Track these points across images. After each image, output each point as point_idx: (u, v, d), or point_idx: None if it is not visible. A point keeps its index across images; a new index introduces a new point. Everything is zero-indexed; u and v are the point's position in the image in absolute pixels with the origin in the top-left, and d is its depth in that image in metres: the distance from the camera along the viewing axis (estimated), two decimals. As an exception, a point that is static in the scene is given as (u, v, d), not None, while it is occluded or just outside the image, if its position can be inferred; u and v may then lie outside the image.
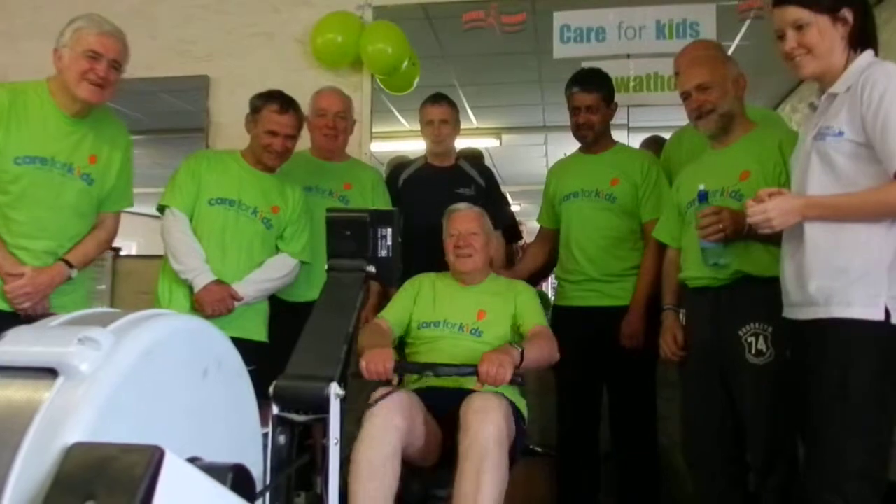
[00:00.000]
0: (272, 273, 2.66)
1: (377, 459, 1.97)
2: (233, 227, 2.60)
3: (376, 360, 2.08)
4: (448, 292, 2.52)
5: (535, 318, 2.43)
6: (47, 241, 2.32)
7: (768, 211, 1.79)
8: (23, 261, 2.27)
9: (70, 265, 2.36)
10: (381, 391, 2.06)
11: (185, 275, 2.54)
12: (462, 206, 2.64)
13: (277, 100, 2.64)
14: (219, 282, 2.53)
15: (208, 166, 2.64)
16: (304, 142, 3.16)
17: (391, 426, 1.99)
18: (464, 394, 2.15)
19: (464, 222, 2.53)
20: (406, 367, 2.23)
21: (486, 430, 1.98)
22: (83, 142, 2.36)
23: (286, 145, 2.65)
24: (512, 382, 2.07)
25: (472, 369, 2.05)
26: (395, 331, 2.47)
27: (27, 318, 2.22)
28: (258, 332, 2.67)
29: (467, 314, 2.44)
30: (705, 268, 2.21)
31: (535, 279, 3.19)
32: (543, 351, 2.30)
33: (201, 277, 2.52)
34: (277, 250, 2.73)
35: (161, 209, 2.63)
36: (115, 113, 2.58)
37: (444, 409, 2.18)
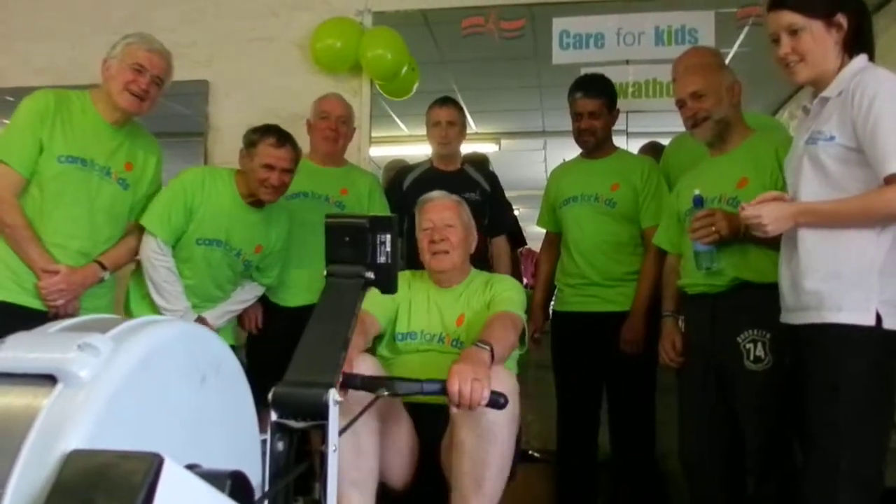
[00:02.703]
0: (241, 304, 2.76)
1: (360, 432, 1.79)
2: (217, 265, 2.61)
3: None
4: (424, 297, 2.24)
5: (502, 305, 2.09)
6: (81, 240, 2.38)
7: (762, 217, 1.80)
8: (57, 259, 2.33)
9: (103, 267, 2.43)
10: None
11: (167, 312, 2.54)
12: (436, 194, 2.34)
13: (274, 133, 2.59)
14: (200, 318, 2.59)
15: (203, 198, 2.56)
16: (303, 146, 3.16)
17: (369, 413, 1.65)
18: (444, 412, 1.84)
19: (438, 212, 2.23)
20: (353, 382, 1.66)
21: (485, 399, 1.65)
22: (121, 148, 2.46)
23: (283, 180, 2.58)
24: (492, 405, 1.65)
25: (440, 386, 1.63)
26: (381, 322, 2.18)
27: (55, 318, 2.25)
28: (228, 336, 2.71)
29: (446, 322, 2.17)
30: (701, 273, 2.22)
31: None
32: (507, 340, 1.94)
33: (185, 318, 2.53)
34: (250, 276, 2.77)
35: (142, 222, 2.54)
36: (148, 129, 2.63)
37: (426, 427, 1.96)
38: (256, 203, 2.63)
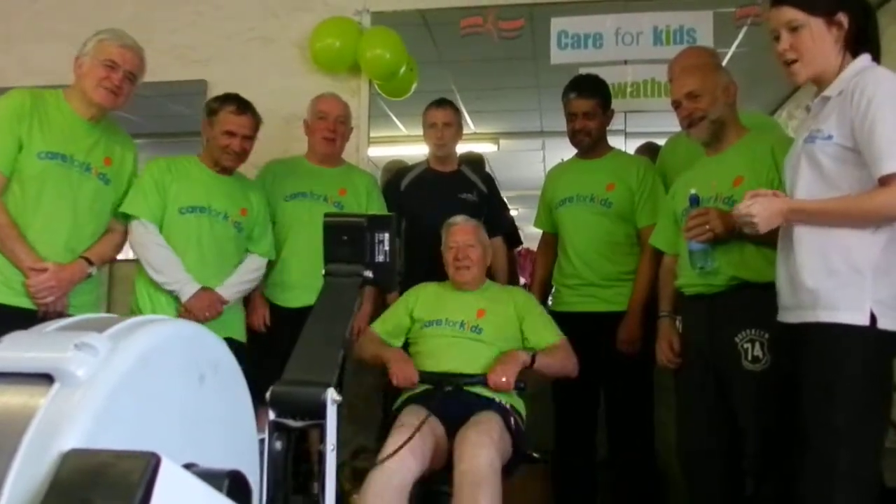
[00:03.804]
0: (248, 275, 2.77)
1: (387, 493, 2.06)
2: (208, 233, 2.65)
3: (404, 371, 2.39)
4: (449, 295, 2.68)
5: (552, 335, 2.57)
6: (65, 237, 2.39)
7: (753, 216, 1.80)
8: (43, 256, 2.33)
9: (90, 262, 2.44)
10: (396, 434, 2.17)
11: (169, 286, 2.57)
12: (459, 219, 2.75)
13: (234, 101, 2.68)
14: (205, 288, 2.59)
15: (171, 176, 2.64)
16: (301, 146, 3.16)
17: (405, 468, 2.10)
18: (467, 397, 2.38)
19: (461, 235, 2.67)
20: (428, 378, 2.42)
21: (480, 461, 2.08)
22: (98, 144, 2.47)
23: (244, 146, 2.68)
24: (515, 387, 2.35)
25: (483, 379, 2.36)
26: (388, 339, 2.65)
27: (44, 316, 2.28)
28: (240, 332, 2.74)
29: (467, 313, 2.58)
30: (695, 273, 2.22)
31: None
32: (564, 362, 2.51)
33: (188, 287, 2.57)
34: (246, 250, 2.80)
35: (125, 216, 2.58)
36: (121, 124, 2.66)
37: (449, 410, 2.32)
38: (224, 172, 2.73)
